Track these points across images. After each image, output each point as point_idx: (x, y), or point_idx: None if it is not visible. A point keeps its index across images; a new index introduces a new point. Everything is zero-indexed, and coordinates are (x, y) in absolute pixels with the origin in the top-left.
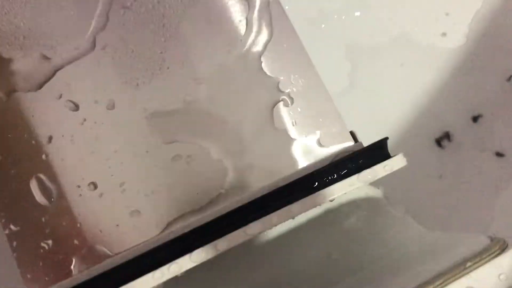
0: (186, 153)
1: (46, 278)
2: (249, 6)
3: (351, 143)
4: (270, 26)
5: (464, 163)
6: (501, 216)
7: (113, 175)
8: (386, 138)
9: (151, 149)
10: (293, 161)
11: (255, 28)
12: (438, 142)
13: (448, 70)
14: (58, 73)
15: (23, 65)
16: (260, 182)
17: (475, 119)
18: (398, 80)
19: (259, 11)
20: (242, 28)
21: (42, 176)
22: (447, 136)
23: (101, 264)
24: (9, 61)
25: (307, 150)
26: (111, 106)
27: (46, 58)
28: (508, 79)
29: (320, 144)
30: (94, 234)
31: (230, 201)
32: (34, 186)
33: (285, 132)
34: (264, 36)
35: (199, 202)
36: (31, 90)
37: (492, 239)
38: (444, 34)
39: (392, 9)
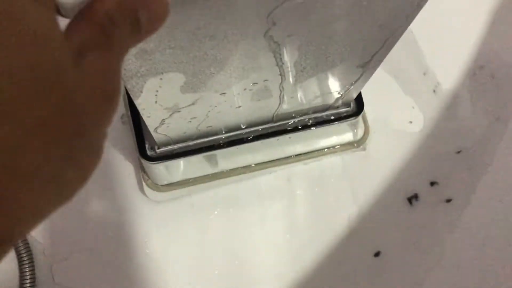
0: None
1: None
2: None
3: None
4: None
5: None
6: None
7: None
8: None
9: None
10: None
11: None
12: (409, 200)
13: (413, 148)
14: None
15: None
16: None
17: (432, 183)
18: (381, 154)
19: None
20: None
21: None
22: (415, 196)
23: None
24: None
25: None
26: None
27: None
28: (458, 152)
29: None
30: None
31: None
32: None
33: None
34: None
35: None
36: None
37: None
38: (410, 122)
39: (377, 106)
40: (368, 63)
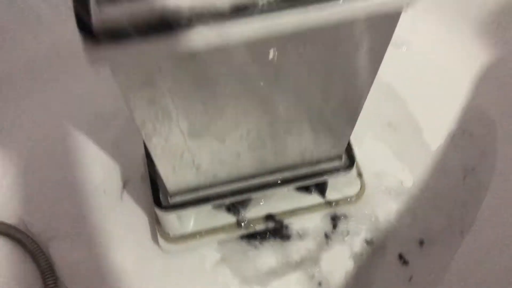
0: None
1: None
2: None
3: None
4: None
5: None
6: None
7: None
8: None
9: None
10: None
11: None
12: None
13: (404, 205)
14: None
15: None
16: None
17: (421, 243)
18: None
19: None
20: None
21: None
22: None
23: None
24: None
25: None
26: None
27: None
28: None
29: None
30: None
31: None
32: None
33: None
34: None
35: None
36: None
37: None
38: (401, 182)
39: (370, 166)
40: (352, 117)
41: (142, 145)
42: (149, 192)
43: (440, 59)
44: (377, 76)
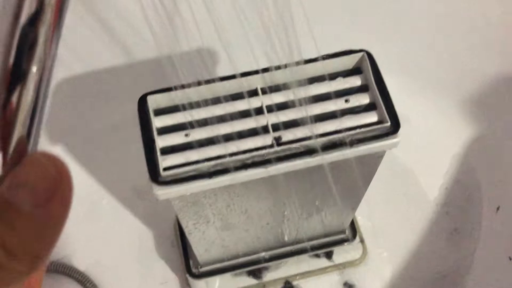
0: None
1: None
2: None
3: None
4: None
5: None
6: None
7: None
8: None
9: None
10: None
11: None
12: None
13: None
14: None
15: None
16: None
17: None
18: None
19: None
20: None
21: None
22: None
23: None
24: None
25: None
26: None
27: None
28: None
29: None
30: None
31: None
32: None
33: None
34: None
35: None
36: None
37: None
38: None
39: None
40: (352, 208)
41: (174, 217)
42: (178, 256)
43: (434, 133)
44: None
